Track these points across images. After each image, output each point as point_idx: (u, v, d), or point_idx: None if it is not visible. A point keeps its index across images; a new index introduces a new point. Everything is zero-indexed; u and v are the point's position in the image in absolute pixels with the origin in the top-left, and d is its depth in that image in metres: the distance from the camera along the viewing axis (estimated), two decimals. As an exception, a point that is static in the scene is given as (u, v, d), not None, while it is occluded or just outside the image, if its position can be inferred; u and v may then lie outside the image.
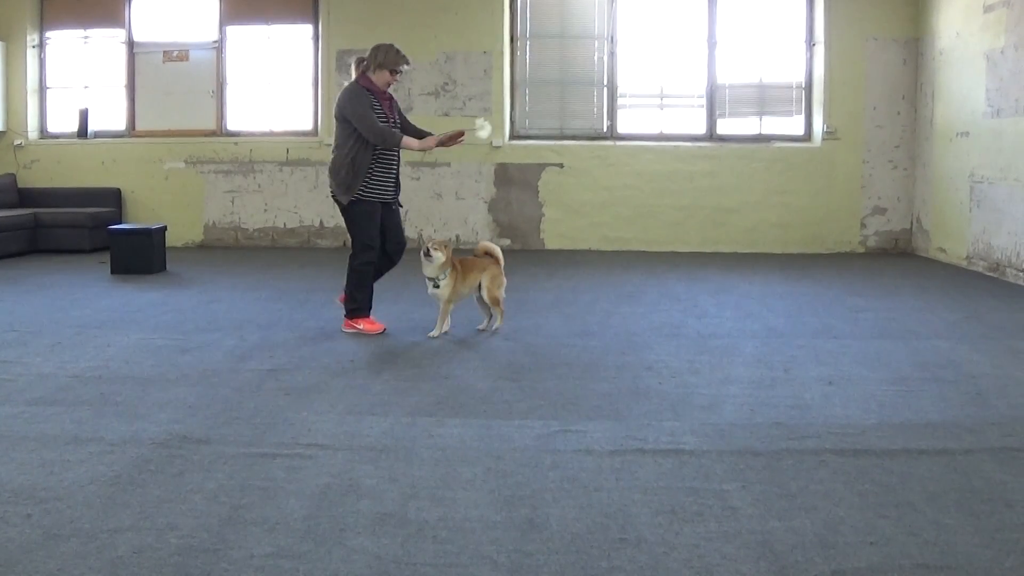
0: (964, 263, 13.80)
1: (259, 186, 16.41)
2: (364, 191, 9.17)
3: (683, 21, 16.23)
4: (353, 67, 9.35)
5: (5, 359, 8.02)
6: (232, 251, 15.96)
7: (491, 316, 9.30)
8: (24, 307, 10.45)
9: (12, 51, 16.83)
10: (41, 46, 17.12)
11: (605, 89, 16.32)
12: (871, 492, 4.99)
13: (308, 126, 16.70)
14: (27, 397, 6.83)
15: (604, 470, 5.32)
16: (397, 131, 9.22)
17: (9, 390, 7.01)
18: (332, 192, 9.44)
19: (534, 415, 6.43)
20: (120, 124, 17.06)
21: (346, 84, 9.35)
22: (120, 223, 15.63)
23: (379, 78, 9.20)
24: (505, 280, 9.30)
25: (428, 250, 8.84)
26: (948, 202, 14.40)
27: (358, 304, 9.28)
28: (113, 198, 16.43)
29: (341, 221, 15.78)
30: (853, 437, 5.94)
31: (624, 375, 7.55)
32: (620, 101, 16.36)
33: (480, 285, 9.12)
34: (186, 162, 16.52)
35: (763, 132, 16.24)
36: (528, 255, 15.39)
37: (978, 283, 12.35)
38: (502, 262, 9.27)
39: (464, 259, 9.22)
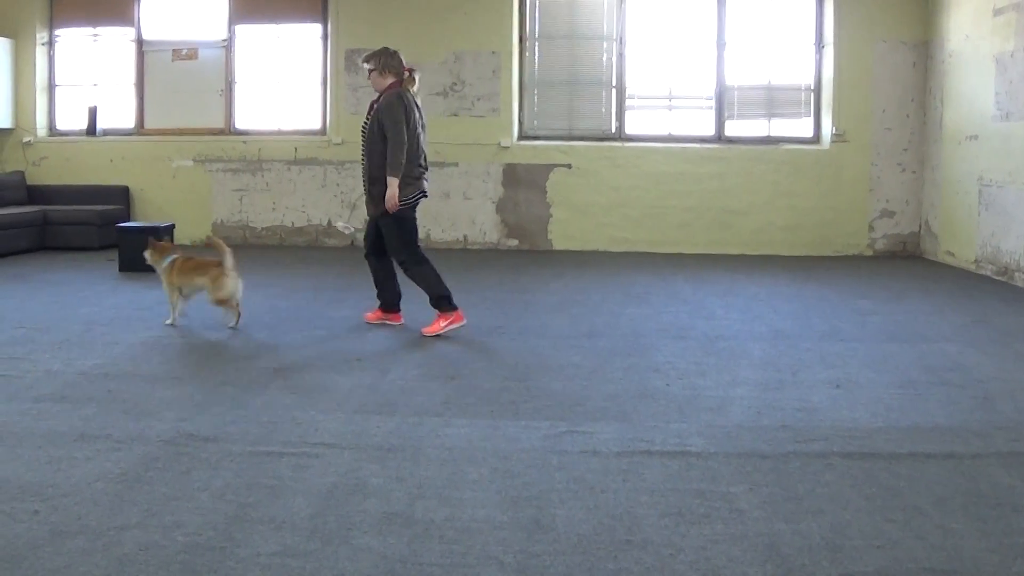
0: (972, 267, 13.78)
1: (267, 185, 16.41)
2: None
3: (692, 22, 16.21)
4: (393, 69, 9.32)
5: (13, 356, 8.03)
6: (240, 250, 15.78)
7: (234, 315, 9.34)
8: (32, 304, 10.46)
9: (21, 48, 16.84)
10: (50, 44, 17.14)
11: (614, 90, 16.30)
12: (878, 496, 4.99)
13: (316, 125, 16.69)
14: (34, 394, 6.84)
15: (611, 471, 5.32)
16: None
17: (17, 387, 7.03)
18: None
19: (541, 416, 6.43)
20: (129, 122, 17.07)
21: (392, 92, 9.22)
22: (128, 221, 15.66)
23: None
24: (231, 281, 9.17)
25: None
26: (957, 205, 14.38)
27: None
28: (121, 196, 16.44)
29: (348, 220, 15.82)
30: (860, 440, 5.94)
31: (631, 376, 7.55)
32: (628, 102, 16.34)
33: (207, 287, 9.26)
34: (194, 160, 16.52)
35: (771, 134, 16.21)
36: (535, 255, 15.40)
37: (986, 287, 12.33)
38: (227, 263, 9.15)
39: (189, 260, 9.38)
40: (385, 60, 9.24)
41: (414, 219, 9.24)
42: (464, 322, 9.16)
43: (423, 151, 9.25)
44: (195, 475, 5.18)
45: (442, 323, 9.09)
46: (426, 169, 9.29)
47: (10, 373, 7.43)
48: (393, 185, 8.97)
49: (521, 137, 16.33)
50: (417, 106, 9.24)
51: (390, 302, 9.57)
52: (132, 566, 4.07)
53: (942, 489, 5.09)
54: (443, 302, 9.14)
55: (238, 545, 4.29)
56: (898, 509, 4.81)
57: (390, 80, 9.23)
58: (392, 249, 9.28)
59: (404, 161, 8.96)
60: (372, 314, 9.63)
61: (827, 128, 15.84)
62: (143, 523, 4.52)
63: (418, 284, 9.24)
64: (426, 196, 9.33)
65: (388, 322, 9.53)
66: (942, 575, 4.11)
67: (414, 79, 9.32)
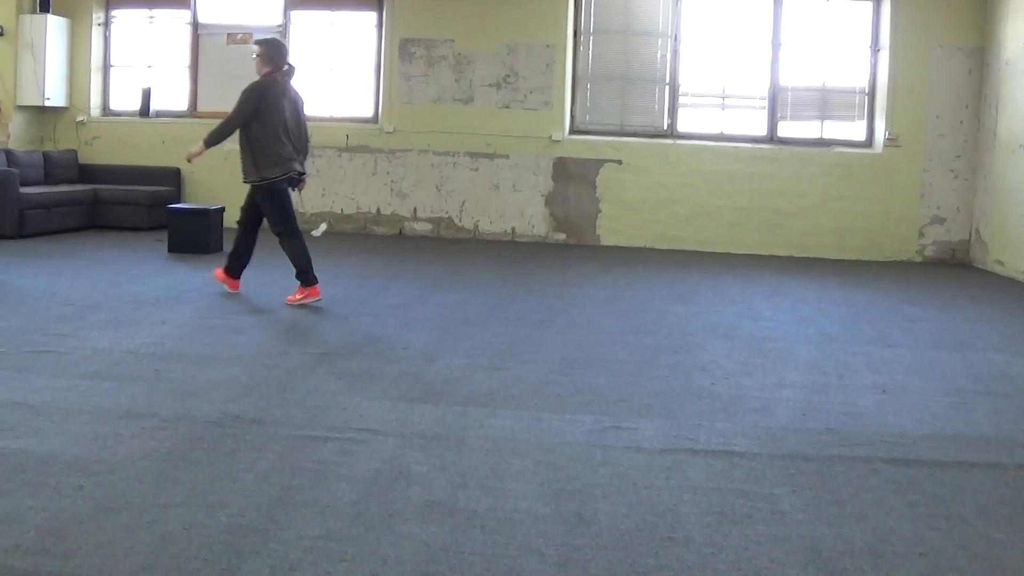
0: (1022, 276, 13.67)
1: (318, 171, 16.45)
2: None
3: (748, 22, 16.17)
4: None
5: (61, 332, 8.09)
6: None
7: None
8: (81, 282, 10.53)
9: (77, 28, 16.96)
10: (106, 24, 17.25)
11: (667, 87, 16.27)
12: (922, 503, 4.96)
13: (369, 113, 16.74)
14: (82, 371, 6.89)
15: (654, 468, 5.31)
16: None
17: (64, 363, 7.08)
18: (302, 173, 10.35)
19: (585, 410, 6.43)
20: (182, 104, 17.18)
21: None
22: (179, 202, 15.76)
23: None
24: None
25: None
26: (1008, 214, 14.27)
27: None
28: (172, 177, 16.55)
29: (398, 208, 15.89)
30: (905, 447, 5.91)
31: (677, 374, 7.53)
32: (681, 99, 16.31)
33: None
34: (246, 144, 16.60)
35: (824, 136, 16.15)
36: (583, 250, 15.39)
37: (1036, 297, 12.26)
38: None
39: None
40: (269, 50, 10.13)
41: (285, 193, 10.10)
42: (320, 297, 10.04)
43: (295, 134, 10.13)
44: (240, 456, 5.21)
45: (298, 296, 9.98)
46: (299, 151, 10.20)
47: (58, 349, 7.49)
48: (198, 146, 10.11)
49: (573, 131, 16.33)
50: (291, 96, 10.15)
51: (237, 268, 10.46)
52: (175, 544, 4.09)
53: (986, 499, 5.06)
54: (303, 276, 10.00)
55: (281, 527, 4.31)
56: (941, 517, 4.78)
57: (267, 69, 10.06)
58: (270, 221, 10.16)
59: (224, 136, 10.00)
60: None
61: (880, 132, 15.76)
62: (187, 502, 4.55)
63: (288, 255, 10.15)
64: (299, 176, 10.23)
65: (228, 288, 10.50)
66: (985, 585, 4.09)
67: (290, 74, 10.25)
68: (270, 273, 11.62)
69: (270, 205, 10.05)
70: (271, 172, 9.93)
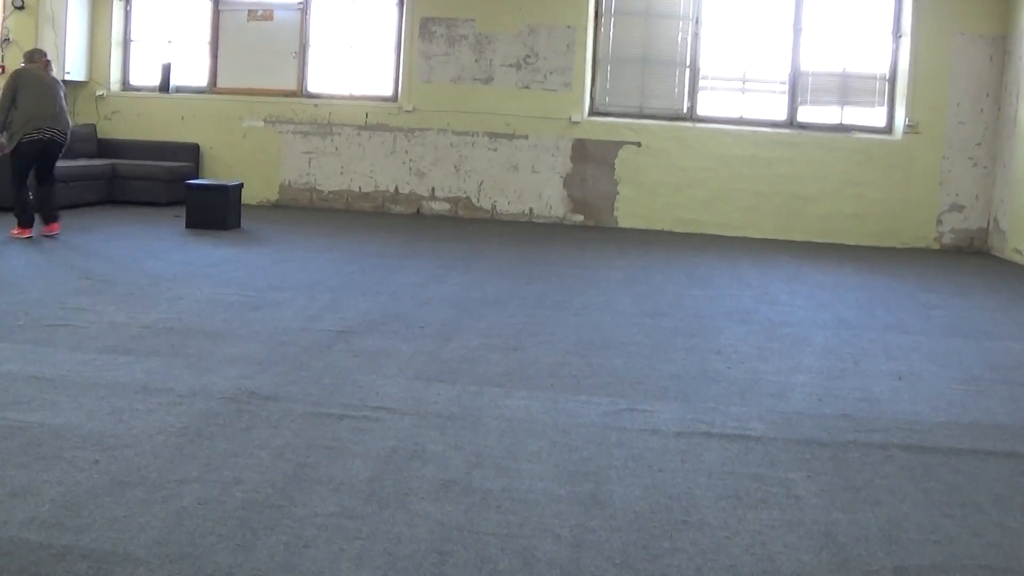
0: (1041, 265, 13.65)
1: (336, 149, 16.48)
2: None
3: (769, 6, 16.12)
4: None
5: (79, 307, 8.11)
6: (306, 212, 16.04)
7: None
8: (98, 256, 10.55)
9: (98, 2, 16.99)
10: (128, -1, 17.28)
11: (687, 70, 16.23)
12: (937, 490, 4.94)
13: (388, 92, 16.73)
14: (99, 345, 6.90)
15: (670, 451, 5.30)
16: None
17: (81, 337, 7.09)
18: (62, 137, 12.19)
19: (601, 392, 6.42)
20: (202, 80, 17.20)
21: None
22: (197, 178, 15.76)
23: None
24: None
25: None
26: (1028, 203, 14.23)
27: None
28: (191, 153, 16.58)
29: (416, 188, 15.90)
30: (921, 434, 5.89)
31: (693, 357, 7.52)
32: (701, 83, 16.28)
33: None
34: (265, 121, 16.62)
35: (844, 122, 16.10)
36: (601, 232, 15.38)
37: (1054, 286, 12.21)
38: None
39: None
40: (29, 53, 12.46)
41: (26, 156, 11.84)
42: (30, 235, 11.78)
43: (44, 110, 11.92)
44: (255, 433, 5.21)
45: (14, 231, 11.83)
46: (43, 122, 11.89)
47: (75, 323, 7.51)
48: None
49: (592, 113, 16.31)
50: (46, 81, 12.14)
51: (45, 218, 12.10)
52: (190, 519, 4.09)
53: (1002, 487, 5.04)
54: (19, 218, 11.92)
55: (296, 504, 4.31)
56: (956, 505, 4.76)
57: (26, 64, 12.24)
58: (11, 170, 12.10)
59: (7, 120, 11.80)
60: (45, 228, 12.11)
61: (900, 119, 15.71)
62: (202, 478, 4.55)
63: (12, 199, 12.05)
64: (42, 140, 11.88)
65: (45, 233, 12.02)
66: (998, 573, 4.06)
67: (47, 67, 12.42)
68: (289, 251, 11.63)
69: (10, 161, 11.91)
70: (20, 135, 11.72)
